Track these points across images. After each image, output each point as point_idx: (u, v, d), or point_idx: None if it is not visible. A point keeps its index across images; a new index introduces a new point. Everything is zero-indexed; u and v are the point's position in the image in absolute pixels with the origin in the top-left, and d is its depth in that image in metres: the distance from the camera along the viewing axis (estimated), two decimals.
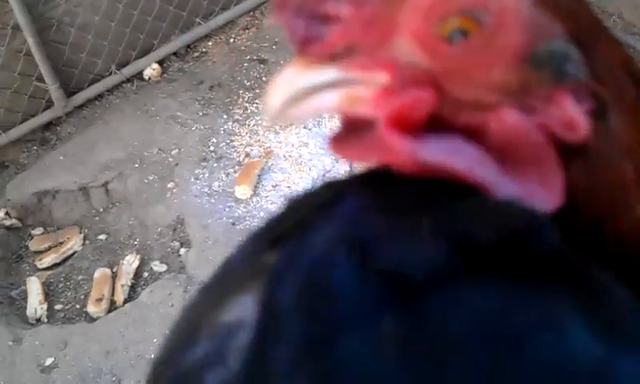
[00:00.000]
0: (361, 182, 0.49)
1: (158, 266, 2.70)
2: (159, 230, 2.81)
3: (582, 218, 0.47)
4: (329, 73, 0.47)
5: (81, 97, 3.24)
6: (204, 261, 2.64)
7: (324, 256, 0.40)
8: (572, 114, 0.45)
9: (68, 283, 2.73)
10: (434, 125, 0.47)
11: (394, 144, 0.45)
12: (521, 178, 0.46)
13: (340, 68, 0.46)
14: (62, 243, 2.83)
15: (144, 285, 2.66)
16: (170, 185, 2.92)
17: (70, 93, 3.21)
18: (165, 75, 3.41)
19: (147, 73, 3.38)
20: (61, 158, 3.06)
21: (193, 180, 2.92)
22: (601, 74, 0.47)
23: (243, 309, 0.41)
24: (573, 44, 0.46)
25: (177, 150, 3.04)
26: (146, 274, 2.70)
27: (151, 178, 2.96)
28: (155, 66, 3.39)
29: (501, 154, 0.46)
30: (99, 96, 3.30)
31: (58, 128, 3.22)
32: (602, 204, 0.48)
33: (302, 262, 0.41)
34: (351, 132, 0.49)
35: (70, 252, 2.81)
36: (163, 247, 2.76)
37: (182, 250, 2.73)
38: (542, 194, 0.46)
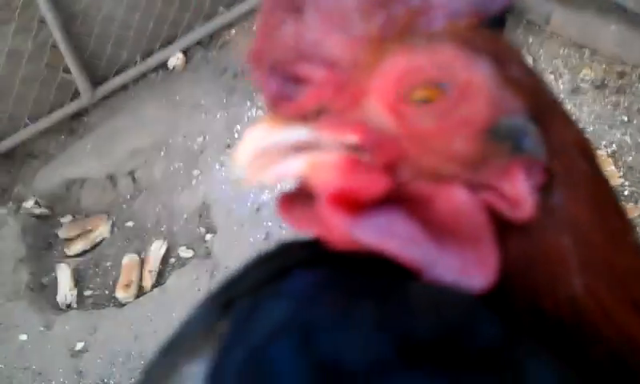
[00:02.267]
0: (314, 252, 0.50)
1: (184, 252, 2.73)
2: (185, 216, 2.83)
3: (520, 290, 0.48)
4: (299, 132, 0.48)
5: (107, 87, 3.28)
6: (229, 246, 2.65)
7: (268, 341, 0.41)
8: (521, 193, 0.47)
9: (97, 269, 2.77)
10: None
11: (330, 221, 0.47)
12: (456, 256, 0.48)
13: (310, 128, 0.48)
14: (90, 230, 2.87)
15: (171, 270, 2.69)
16: (195, 172, 2.94)
17: (96, 83, 3.24)
18: (189, 64, 3.42)
19: (171, 62, 3.40)
20: (88, 147, 3.10)
21: (218, 167, 2.94)
22: (555, 149, 0.49)
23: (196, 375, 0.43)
24: (532, 121, 0.48)
25: (202, 138, 3.06)
26: (172, 260, 2.73)
27: (177, 165, 2.98)
28: (179, 55, 3.40)
29: (440, 229, 0.48)
30: (124, 86, 3.33)
31: (85, 118, 3.26)
32: (539, 278, 0.48)
33: (247, 342, 0.42)
34: (303, 198, 0.50)
35: (99, 239, 2.85)
36: (189, 233, 2.79)
37: (208, 236, 2.75)
38: (476, 272, 0.47)
